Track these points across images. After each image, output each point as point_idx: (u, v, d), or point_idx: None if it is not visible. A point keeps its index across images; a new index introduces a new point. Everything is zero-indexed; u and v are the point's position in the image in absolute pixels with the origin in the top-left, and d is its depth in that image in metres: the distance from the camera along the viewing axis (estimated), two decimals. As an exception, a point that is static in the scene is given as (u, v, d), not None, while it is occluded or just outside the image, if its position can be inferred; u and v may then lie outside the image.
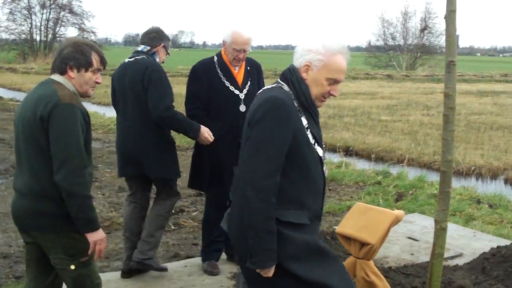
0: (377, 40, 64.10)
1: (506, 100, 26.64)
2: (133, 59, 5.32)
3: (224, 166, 5.23)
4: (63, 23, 58.21)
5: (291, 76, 3.21)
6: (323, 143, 3.30)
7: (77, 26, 57.99)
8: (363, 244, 4.02)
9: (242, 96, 5.34)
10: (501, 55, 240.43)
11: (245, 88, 5.39)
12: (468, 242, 6.59)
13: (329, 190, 9.38)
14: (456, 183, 10.65)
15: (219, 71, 5.32)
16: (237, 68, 5.38)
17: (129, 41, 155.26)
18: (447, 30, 4.16)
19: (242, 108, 5.31)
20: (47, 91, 3.42)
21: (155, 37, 5.45)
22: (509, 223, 7.68)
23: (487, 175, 11.83)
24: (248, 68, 5.48)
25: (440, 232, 4.27)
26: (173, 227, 7.17)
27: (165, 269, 5.44)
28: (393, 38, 62.78)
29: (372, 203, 8.18)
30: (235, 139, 5.12)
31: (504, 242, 6.21)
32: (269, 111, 3.01)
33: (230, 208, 3.32)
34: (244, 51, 5.28)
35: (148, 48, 5.39)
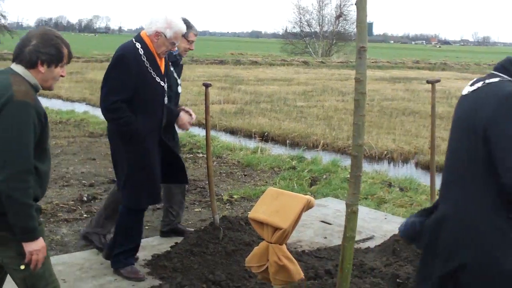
0: (294, 27, 64.82)
1: (417, 86, 27.43)
2: None
3: (148, 164, 4.97)
4: (-29, 6, 56.01)
5: None
6: None
7: (-14, 8, 55.86)
8: (275, 228, 4.02)
9: (165, 87, 5.10)
10: (413, 42, 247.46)
11: (165, 79, 5.12)
12: (379, 225, 6.74)
13: (244, 175, 9.41)
14: (369, 167, 10.90)
15: (145, 60, 4.89)
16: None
17: (42, 25, 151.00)
18: (358, 16, 4.17)
19: (166, 100, 5.14)
20: (3, 84, 3.16)
21: None
22: (419, 205, 7.89)
23: (398, 159, 12.15)
24: (166, 59, 5.30)
25: (351, 216, 4.29)
26: (85, 215, 7.01)
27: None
28: (309, 25, 63.59)
29: (287, 188, 8.25)
30: (159, 136, 5.04)
31: (413, 224, 6.36)
32: None
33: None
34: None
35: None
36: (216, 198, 7.66)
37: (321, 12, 63.31)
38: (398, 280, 4.88)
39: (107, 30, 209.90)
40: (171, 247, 5.55)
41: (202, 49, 61.55)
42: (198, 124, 14.38)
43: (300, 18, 63.72)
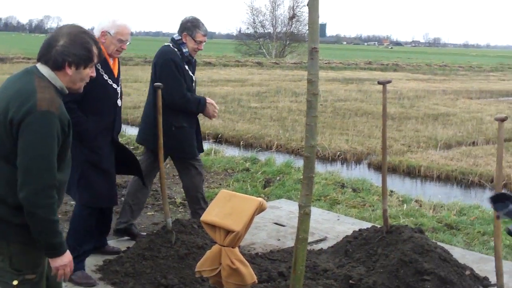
0: (247, 28, 64.86)
1: (370, 87, 27.71)
2: None
3: (101, 164, 5.01)
4: None
5: None
6: None
7: None
8: (228, 231, 4.00)
9: (118, 90, 5.15)
10: (365, 43, 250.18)
11: (119, 81, 5.20)
12: (332, 226, 6.77)
13: (198, 177, 9.35)
14: (322, 168, 10.95)
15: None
16: (111, 60, 5.13)
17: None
18: (310, 17, 4.18)
19: (119, 102, 5.18)
20: (26, 88, 2.98)
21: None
22: (371, 206, 7.97)
23: (351, 159, 12.25)
24: (118, 60, 5.31)
25: (304, 217, 4.29)
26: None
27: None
28: (263, 26, 63.76)
29: (241, 190, 8.23)
30: (111, 136, 5.09)
31: (366, 225, 6.41)
32: None
33: None
34: (127, 41, 5.13)
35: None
36: (169, 201, 7.59)
37: (274, 13, 63.57)
38: (350, 281, 4.91)
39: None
40: (123, 251, 5.48)
41: (155, 50, 61.00)
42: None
43: (254, 19, 63.84)
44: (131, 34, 5.26)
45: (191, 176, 6.19)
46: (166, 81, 5.77)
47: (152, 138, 5.80)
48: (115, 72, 5.15)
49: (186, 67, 6.02)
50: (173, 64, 5.89)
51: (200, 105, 6.06)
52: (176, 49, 5.98)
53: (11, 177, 2.99)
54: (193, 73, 6.16)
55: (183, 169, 6.25)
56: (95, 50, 3.14)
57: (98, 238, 5.47)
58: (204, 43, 6.09)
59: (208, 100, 6.16)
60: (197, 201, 6.22)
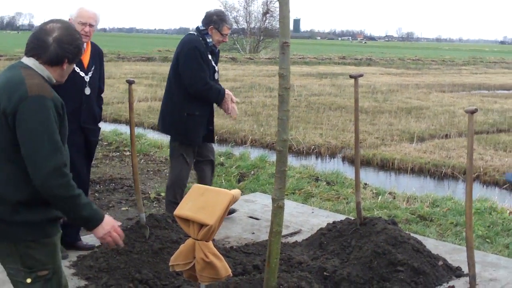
0: (221, 23, 64.60)
1: (343, 81, 27.83)
2: None
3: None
4: None
5: None
6: None
7: None
8: (201, 225, 3.99)
9: (87, 78, 5.25)
10: (339, 38, 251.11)
11: (90, 71, 5.29)
12: (306, 219, 6.79)
13: (172, 173, 9.32)
14: (297, 162, 10.99)
15: None
16: (82, 50, 5.16)
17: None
18: (281, 12, 4.19)
19: (87, 91, 5.27)
20: (14, 79, 2.97)
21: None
22: (345, 199, 8.02)
23: (326, 153, 12.29)
24: (93, 52, 5.39)
25: (277, 210, 4.31)
26: None
27: None
28: (237, 22, 63.54)
29: (215, 184, 8.21)
30: (78, 123, 5.15)
31: (340, 217, 6.44)
32: None
33: None
34: (91, 25, 5.17)
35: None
36: (143, 196, 7.58)
37: (248, 9, 63.48)
38: (325, 273, 4.93)
39: (30, 28, 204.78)
40: (96, 247, 5.45)
41: (129, 46, 60.82)
42: (124, 122, 14.18)
43: (227, 15, 63.73)
44: (98, 21, 5.29)
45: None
46: (191, 68, 6.02)
47: (168, 126, 6.30)
48: (85, 62, 5.25)
49: (210, 57, 6.19)
50: (198, 52, 6.05)
51: (220, 95, 6.18)
52: (200, 38, 6.16)
53: (10, 174, 2.98)
54: (216, 64, 6.35)
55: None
56: (82, 47, 3.25)
57: (71, 233, 5.44)
58: (228, 35, 6.36)
59: (227, 91, 6.27)
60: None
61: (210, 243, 4.07)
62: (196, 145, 6.33)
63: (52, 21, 3.15)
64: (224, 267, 4.09)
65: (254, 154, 11.36)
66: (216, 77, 6.32)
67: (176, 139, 6.33)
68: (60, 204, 2.96)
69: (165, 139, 12.77)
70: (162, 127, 6.51)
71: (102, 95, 5.67)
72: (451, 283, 5.00)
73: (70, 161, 4.98)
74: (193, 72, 6.02)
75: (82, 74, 5.22)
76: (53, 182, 2.89)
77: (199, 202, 4.05)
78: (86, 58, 5.27)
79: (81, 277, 4.95)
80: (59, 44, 3.04)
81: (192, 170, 6.57)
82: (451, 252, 5.82)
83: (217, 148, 12.01)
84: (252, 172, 9.36)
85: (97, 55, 5.47)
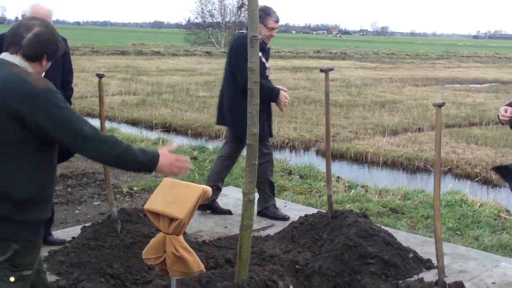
0: (196, 17, 64.49)
1: (318, 75, 27.87)
2: None
3: None
4: None
5: None
6: None
7: None
8: (172, 219, 3.98)
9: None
10: (314, 32, 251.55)
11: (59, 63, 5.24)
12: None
13: (145, 167, 9.28)
14: (270, 156, 10.97)
15: None
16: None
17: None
18: (249, 6, 4.18)
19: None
20: (9, 78, 2.96)
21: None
22: (317, 192, 8.05)
23: (300, 147, 12.33)
24: None
25: (248, 204, 4.33)
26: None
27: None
28: (211, 16, 63.45)
29: (188, 178, 8.20)
30: None
31: (312, 210, 6.46)
32: None
33: None
34: None
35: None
36: (116, 190, 7.55)
37: (222, 2, 63.31)
38: (296, 266, 4.97)
39: (2, 21, 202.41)
40: (68, 242, 5.42)
41: (103, 40, 60.38)
42: (97, 116, 14.07)
43: (202, 9, 63.48)
44: (51, 17, 5.22)
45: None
46: (240, 65, 6.08)
47: (231, 123, 6.53)
48: None
49: (260, 53, 6.10)
50: (245, 49, 5.97)
51: (273, 94, 6.29)
52: None
53: (15, 171, 2.98)
54: (267, 60, 6.42)
55: None
56: (61, 44, 3.21)
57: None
58: (276, 30, 6.37)
59: (282, 91, 6.33)
60: (264, 184, 6.56)
61: (181, 237, 4.06)
62: (262, 141, 6.34)
63: (31, 18, 3.19)
64: (196, 262, 4.09)
65: (228, 148, 11.34)
66: (266, 74, 6.41)
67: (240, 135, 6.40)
68: (122, 161, 3.14)
69: (138, 133, 12.74)
70: (221, 120, 6.78)
71: (73, 86, 5.64)
72: (421, 275, 5.04)
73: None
74: (241, 69, 6.07)
75: None
76: (106, 146, 3.05)
77: (169, 196, 4.04)
78: None
79: (52, 272, 4.92)
80: (38, 40, 3.06)
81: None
82: (421, 244, 5.88)
83: (190, 142, 12.02)
84: (226, 166, 9.35)
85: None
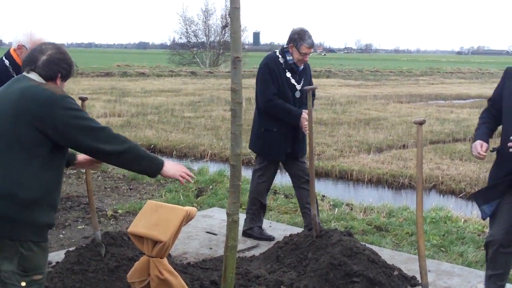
0: (180, 38, 64.66)
1: (302, 94, 27.95)
2: None
3: None
4: None
5: None
6: None
7: None
8: (155, 242, 3.98)
9: None
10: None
11: None
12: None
13: (130, 189, 9.26)
14: (256, 176, 10.98)
15: (14, 75, 4.88)
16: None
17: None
18: (232, 27, 4.20)
19: None
20: (30, 88, 3.26)
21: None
22: (303, 211, 8.05)
23: (285, 166, 12.32)
24: None
25: (232, 225, 4.32)
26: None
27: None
28: (196, 36, 63.70)
29: (173, 200, 8.20)
30: None
31: (297, 230, 6.47)
32: None
33: None
34: None
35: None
36: (100, 213, 7.52)
37: (206, 22, 63.62)
38: (282, 286, 4.96)
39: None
40: (51, 267, 5.39)
41: (88, 62, 60.32)
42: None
43: (187, 29, 63.77)
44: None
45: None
46: (256, 84, 6.38)
47: (251, 140, 6.64)
48: None
49: (289, 74, 6.32)
50: (267, 69, 6.30)
51: (291, 116, 6.30)
52: (280, 56, 6.34)
53: (23, 172, 3.14)
54: (299, 82, 6.43)
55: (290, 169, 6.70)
56: (74, 67, 3.53)
57: None
58: (309, 55, 6.40)
59: (304, 115, 6.28)
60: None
61: (165, 259, 4.06)
62: (274, 161, 6.58)
63: (44, 43, 3.51)
64: (180, 284, 4.09)
65: (213, 168, 11.35)
66: (297, 96, 6.39)
67: (257, 154, 6.70)
68: (131, 155, 3.45)
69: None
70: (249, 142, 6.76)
71: None
72: (406, 293, 5.06)
73: None
74: (258, 88, 6.34)
75: None
76: (118, 144, 3.39)
77: (153, 219, 4.04)
78: None
79: (36, 297, 4.88)
80: (51, 60, 3.37)
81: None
82: (406, 261, 5.89)
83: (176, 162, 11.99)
84: (211, 187, 9.35)
85: None
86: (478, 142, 4.50)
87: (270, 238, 6.52)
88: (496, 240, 4.59)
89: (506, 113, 4.53)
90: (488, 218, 4.69)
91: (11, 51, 5.01)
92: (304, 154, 6.59)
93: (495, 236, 4.60)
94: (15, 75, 4.75)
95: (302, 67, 6.46)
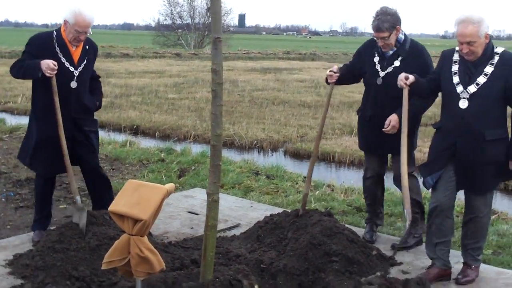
0: (165, 19, 64.33)
1: (287, 76, 28.02)
2: None
3: (52, 140, 5.42)
4: None
5: None
6: None
7: None
8: (136, 220, 4.01)
9: (76, 73, 5.58)
10: (284, 33, 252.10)
11: (80, 66, 5.61)
12: (245, 213, 6.87)
13: (112, 169, 9.28)
14: (238, 157, 11.07)
15: (56, 47, 5.50)
16: (74, 47, 5.59)
17: None
18: (212, 8, 4.23)
19: (74, 84, 5.56)
20: None
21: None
22: (284, 192, 8.12)
23: (268, 148, 12.41)
24: (87, 47, 5.73)
25: (212, 204, 4.37)
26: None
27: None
28: (181, 17, 63.38)
29: (155, 180, 8.23)
30: (68, 114, 5.50)
31: (278, 210, 6.52)
32: None
33: None
34: (85, 33, 5.51)
35: None
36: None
37: (191, 4, 63.28)
38: (262, 265, 5.01)
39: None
40: (33, 245, 5.42)
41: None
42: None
43: (171, 10, 63.42)
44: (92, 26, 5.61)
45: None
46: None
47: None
48: (75, 58, 5.58)
49: (376, 59, 5.93)
50: (358, 50, 6.28)
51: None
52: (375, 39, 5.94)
53: None
54: (384, 69, 5.84)
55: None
56: None
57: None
58: (381, 38, 5.82)
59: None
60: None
61: (145, 238, 4.10)
62: (365, 151, 6.42)
63: None
64: (158, 261, 4.13)
65: (196, 149, 11.38)
66: (378, 83, 5.87)
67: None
68: None
69: (106, 136, 12.69)
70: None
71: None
72: (384, 272, 5.14)
73: (76, 154, 5.63)
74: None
75: (71, 68, 5.54)
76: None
77: (134, 197, 4.07)
78: (77, 54, 5.60)
79: (17, 276, 4.92)
80: None
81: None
82: (385, 242, 5.97)
83: (158, 144, 12.01)
84: (193, 168, 9.38)
85: (92, 51, 5.83)
86: (403, 74, 5.26)
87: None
88: (441, 204, 4.96)
89: (444, 96, 5.22)
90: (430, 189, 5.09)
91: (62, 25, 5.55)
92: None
93: (440, 201, 4.96)
94: (57, 46, 5.50)
95: (389, 52, 5.93)
